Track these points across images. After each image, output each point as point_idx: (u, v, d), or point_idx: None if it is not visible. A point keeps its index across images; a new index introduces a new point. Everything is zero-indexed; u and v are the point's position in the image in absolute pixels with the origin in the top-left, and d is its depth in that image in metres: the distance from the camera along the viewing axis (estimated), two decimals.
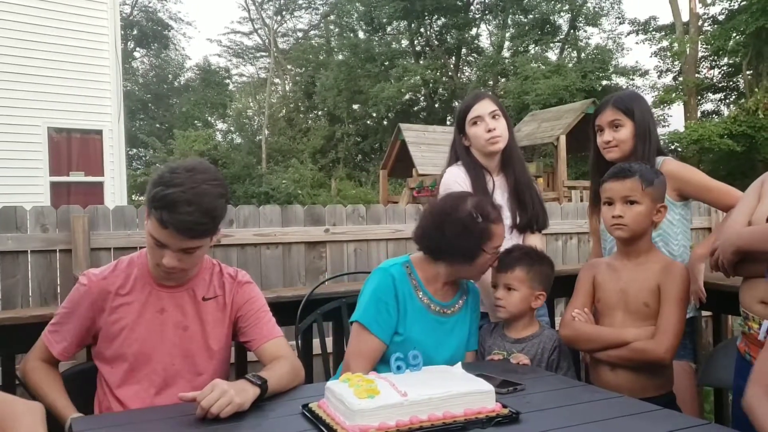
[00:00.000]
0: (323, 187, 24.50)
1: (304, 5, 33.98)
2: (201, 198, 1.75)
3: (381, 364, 2.11)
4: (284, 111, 32.43)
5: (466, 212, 2.15)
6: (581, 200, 10.93)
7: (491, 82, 28.77)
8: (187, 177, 1.77)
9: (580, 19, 27.95)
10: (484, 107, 2.63)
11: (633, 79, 27.68)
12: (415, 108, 30.66)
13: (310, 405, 1.63)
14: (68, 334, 1.92)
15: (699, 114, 25.36)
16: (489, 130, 2.60)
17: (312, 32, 34.93)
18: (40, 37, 9.27)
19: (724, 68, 25.77)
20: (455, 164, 2.72)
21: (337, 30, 32.45)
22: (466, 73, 31.65)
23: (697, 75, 25.06)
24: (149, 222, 1.80)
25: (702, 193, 2.54)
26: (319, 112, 31.45)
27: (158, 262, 1.83)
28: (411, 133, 15.23)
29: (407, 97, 29.39)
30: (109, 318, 1.90)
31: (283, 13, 34.21)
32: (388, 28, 30.39)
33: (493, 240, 2.17)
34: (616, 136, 2.54)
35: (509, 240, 2.66)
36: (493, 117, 2.62)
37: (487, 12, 29.88)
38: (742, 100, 22.95)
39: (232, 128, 33.46)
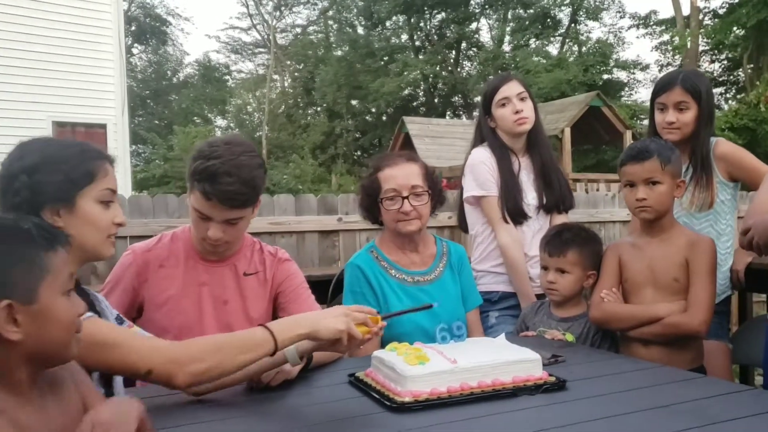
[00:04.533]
0: (324, 182, 24.50)
1: (302, 1, 33.92)
2: (240, 169, 1.79)
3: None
4: (283, 107, 32.38)
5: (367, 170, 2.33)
6: (586, 192, 10.94)
7: (492, 77, 28.71)
8: (226, 149, 1.81)
9: (581, 13, 27.95)
10: (512, 89, 2.65)
11: (634, 73, 27.79)
12: (415, 103, 30.59)
13: (356, 374, 1.65)
14: (113, 306, 1.94)
15: None
16: (516, 112, 2.62)
17: (311, 28, 34.86)
18: (44, 32, 9.28)
19: (725, 62, 25.79)
20: (481, 145, 2.74)
21: (336, 25, 32.38)
22: (466, 68, 31.63)
23: (698, 69, 25.11)
24: (192, 196, 1.83)
25: (752, 177, 2.46)
26: (319, 108, 31.39)
27: (203, 236, 1.86)
28: (415, 125, 15.24)
29: (407, 92, 29.35)
30: (154, 289, 1.93)
31: (282, 8, 34.15)
32: (388, 23, 30.30)
33: (383, 188, 2.25)
34: (680, 118, 2.46)
35: (535, 221, 2.69)
36: (521, 99, 2.64)
37: (487, 6, 29.84)
38: (743, 94, 22.97)
39: (231, 124, 33.43)
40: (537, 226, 2.66)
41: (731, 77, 26.22)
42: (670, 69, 26.95)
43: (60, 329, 1.03)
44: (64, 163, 1.41)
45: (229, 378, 1.48)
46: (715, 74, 26.16)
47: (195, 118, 31.20)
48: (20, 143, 1.46)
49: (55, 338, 1.02)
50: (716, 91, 26.96)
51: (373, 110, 29.61)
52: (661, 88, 2.54)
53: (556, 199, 2.70)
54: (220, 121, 34.05)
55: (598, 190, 8.65)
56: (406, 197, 2.21)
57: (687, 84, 2.46)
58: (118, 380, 1.54)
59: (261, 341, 1.40)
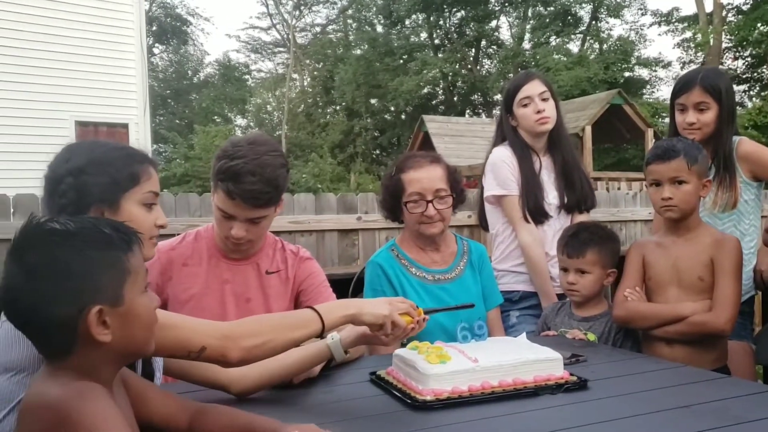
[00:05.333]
0: (342, 181, 24.54)
1: (322, 0, 34.01)
2: (264, 168, 1.82)
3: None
4: (303, 106, 32.50)
5: (389, 169, 2.34)
6: (607, 191, 10.85)
7: (512, 75, 28.60)
8: (249, 149, 1.84)
9: (602, 10, 27.70)
10: (534, 88, 2.64)
11: (656, 71, 27.43)
12: (434, 101, 30.54)
13: (378, 372, 1.66)
14: None
15: None
16: (538, 111, 2.61)
17: (330, 27, 34.94)
18: (67, 32, 9.40)
19: (749, 59, 25.41)
20: (502, 144, 2.74)
21: (355, 24, 32.41)
22: (486, 66, 31.49)
23: (720, 66, 24.76)
24: (216, 195, 1.85)
25: None
26: (338, 107, 31.46)
27: (227, 235, 1.88)
28: (434, 124, 15.21)
29: (426, 90, 29.29)
30: (177, 287, 1.96)
31: (301, 8, 34.26)
32: (407, 22, 30.23)
33: (407, 190, 2.25)
34: (700, 119, 2.43)
35: (557, 220, 2.68)
36: (543, 98, 2.63)
37: (506, 4, 29.68)
38: (767, 92, 22.63)
39: (251, 124, 33.63)
40: (558, 226, 2.65)
41: (755, 74, 25.80)
42: (693, 66, 26.67)
43: (142, 326, 1.07)
44: (110, 166, 1.43)
45: (278, 372, 1.52)
46: (738, 71, 25.78)
47: (215, 117, 31.39)
48: (67, 145, 1.49)
49: (138, 336, 1.06)
50: (740, 88, 26.58)
51: (392, 109, 29.61)
52: (680, 88, 2.50)
53: (577, 198, 2.69)
54: (240, 121, 34.29)
55: (619, 188, 8.56)
56: (431, 201, 2.22)
57: (706, 84, 2.43)
58: (157, 379, 1.56)
59: (309, 320, 1.43)
